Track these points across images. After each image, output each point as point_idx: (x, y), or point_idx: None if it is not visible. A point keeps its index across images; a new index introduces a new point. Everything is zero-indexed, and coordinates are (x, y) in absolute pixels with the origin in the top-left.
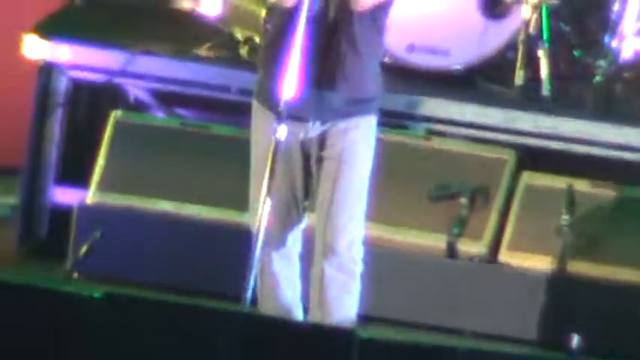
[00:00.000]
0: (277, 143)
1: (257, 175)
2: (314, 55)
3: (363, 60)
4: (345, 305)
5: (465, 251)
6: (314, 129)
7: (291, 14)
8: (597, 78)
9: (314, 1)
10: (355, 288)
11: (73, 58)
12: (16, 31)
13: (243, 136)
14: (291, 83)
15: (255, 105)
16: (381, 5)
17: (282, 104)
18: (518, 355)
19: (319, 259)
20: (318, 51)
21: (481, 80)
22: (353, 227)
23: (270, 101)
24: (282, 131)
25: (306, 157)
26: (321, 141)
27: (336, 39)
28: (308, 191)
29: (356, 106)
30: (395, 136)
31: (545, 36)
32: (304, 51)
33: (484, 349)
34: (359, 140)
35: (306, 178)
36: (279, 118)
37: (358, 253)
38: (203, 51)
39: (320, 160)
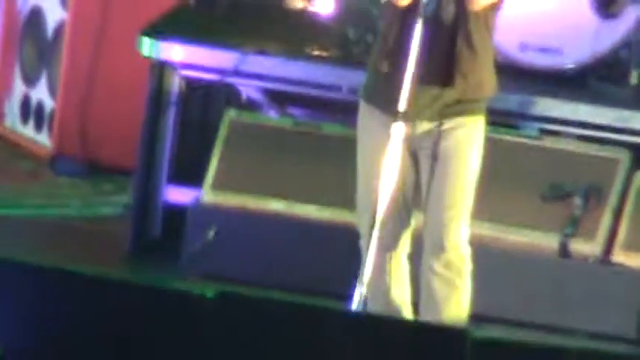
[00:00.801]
0: (387, 143)
1: (364, 175)
2: (428, 53)
3: (480, 58)
4: (454, 304)
5: (578, 251)
6: (422, 127)
7: (405, 13)
8: None
9: (429, 0)
10: (465, 286)
11: (185, 57)
12: (132, 31)
13: (354, 135)
14: (404, 82)
15: (363, 104)
16: (495, 5)
17: (394, 104)
18: (632, 356)
19: (428, 257)
20: (433, 50)
21: (594, 79)
22: (460, 225)
23: (380, 100)
24: (394, 131)
25: (413, 155)
26: (429, 139)
27: (452, 38)
28: (416, 190)
29: (467, 105)
30: (507, 136)
31: None
32: (418, 49)
33: (597, 349)
34: (467, 139)
35: (415, 177)
36: (391, 117)
37: (466, 251)
38: (315, 50)
39: (428, 158)
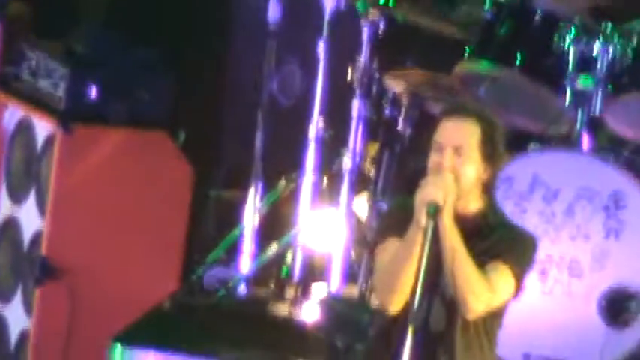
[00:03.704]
0: None
1: None
2: None
3: None
4: None
5: None
6: None
7: (396, 321)
8: None
9: (420, 311)
10: None
11: None
12: (102, 339)
13: None
14: None
15: None
16: (495, 313)
17: None
18: None
19: None
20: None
21: None
22: None
23: None
24: None
25: None
26: None
27: (435, 350)
28: None
29: None
30: None
31: None
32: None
33: None
34: None
35: None
36: None
37: None
38: None
39: None
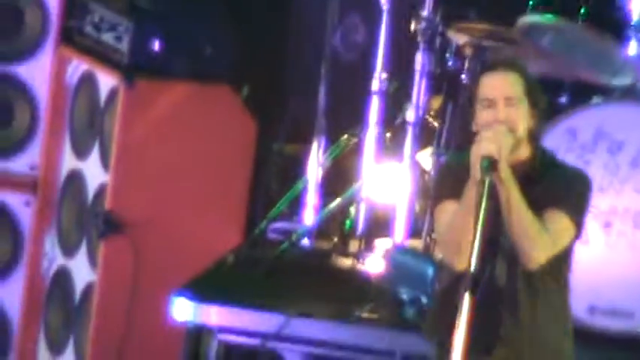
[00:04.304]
0: None
1: None
2: (481, 320)
3: (525, 325)
4: None
5: None
6: None
7: (461, 277)
8: None
9: (477, 272)
10: None
11: (224, 321)
12: (166, 293)
13: None
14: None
15: None
16: (560, 257)
17: None
18: None
19: None
20: (484, 316)
21: None
22: None
23: None
24: None
25: None
26: None
27: (498, 304)
28: None
29: None
30: None
31: None
32: (472, 317)
33: None
34: None
35: None
36: None
37: None
38: (365, 312)
39: None
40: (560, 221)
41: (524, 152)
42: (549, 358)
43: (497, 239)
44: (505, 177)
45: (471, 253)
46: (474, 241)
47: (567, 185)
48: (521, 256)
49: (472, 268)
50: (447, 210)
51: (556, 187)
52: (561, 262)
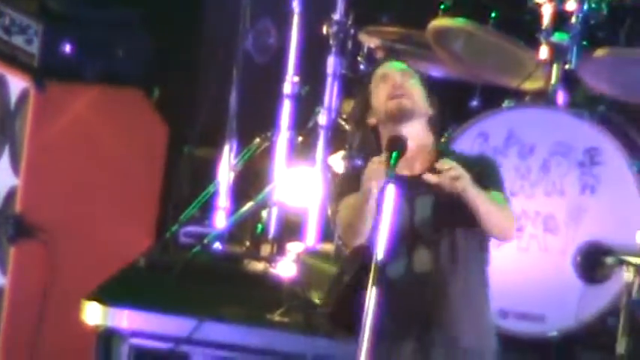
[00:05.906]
0: None
1: None
2: (408, 307)
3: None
4: None
5: None
6: None
7: (367, 268)
8: None
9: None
10: None
11: (135, 324)
12: (77, 296)
13: None
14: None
15: None
16: (483, 247)
17: None
18: None
19: None
20: (411, 304)
21: (579, 348)
22: None
23: None
24: None
25: None
26: None
27: (422, 289)
28: None
29: None
30: None
31: None
32: (384, 308)
33: None
34: None
35: None
36: None
37: None
38: (276, 316)
39: None
40: (499, 197)
41: (427, 139)
42: (480, 329)
43: (413, 230)
44: (461, 174)
45: (378, 247)
46: (381, 235)
47: (486, 170)
48: (496, 234)
49: (378, 261)
50: (349, 202)
51: (474, 173)
52: (484, 252)
